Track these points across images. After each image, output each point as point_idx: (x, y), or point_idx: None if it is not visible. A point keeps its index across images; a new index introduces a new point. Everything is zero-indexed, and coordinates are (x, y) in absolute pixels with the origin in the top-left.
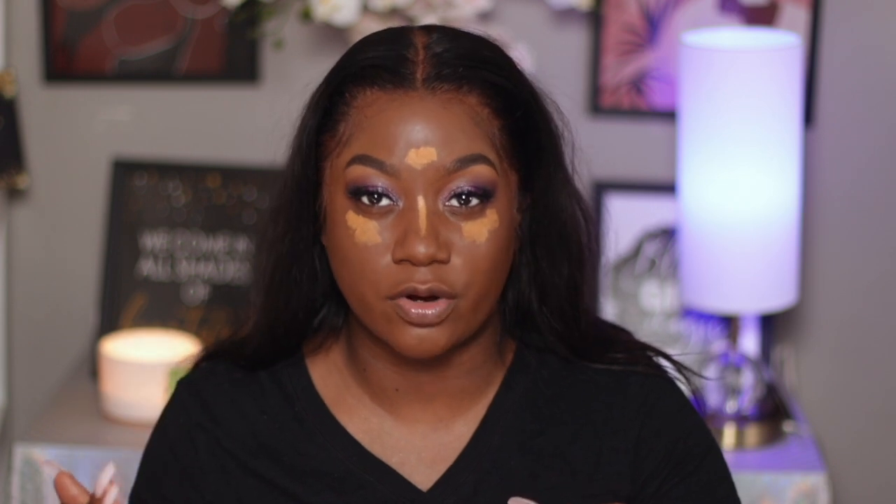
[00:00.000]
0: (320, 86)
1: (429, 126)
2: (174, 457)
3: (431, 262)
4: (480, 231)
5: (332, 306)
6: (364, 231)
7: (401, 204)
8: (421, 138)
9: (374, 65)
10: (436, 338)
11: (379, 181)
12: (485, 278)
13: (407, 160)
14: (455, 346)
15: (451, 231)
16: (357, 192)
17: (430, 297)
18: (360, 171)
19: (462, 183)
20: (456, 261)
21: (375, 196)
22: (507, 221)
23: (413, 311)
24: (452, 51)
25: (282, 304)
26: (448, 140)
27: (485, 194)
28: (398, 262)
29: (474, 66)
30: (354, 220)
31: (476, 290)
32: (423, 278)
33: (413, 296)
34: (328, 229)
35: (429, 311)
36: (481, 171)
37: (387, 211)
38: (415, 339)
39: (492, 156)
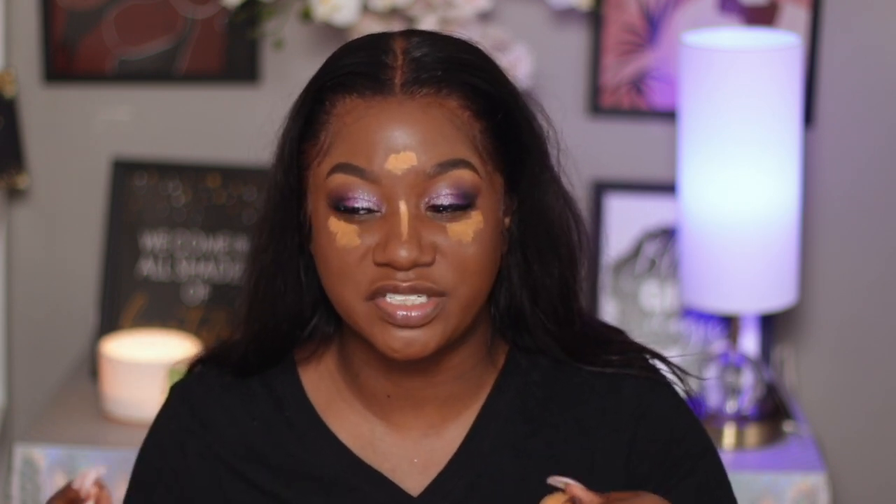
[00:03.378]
0: (301, 94)
1: (408, 131)
2: (164, 462)
3: (413, 266)
4: (465, 231)
5: (323, 314)
6: (345, 234)
7: (383, 210)
8: (400, 143)
9: (352, 72)
10: (423, 340)
11: (360, 190)
12: (474, 278)
13: (387, 166)
14: (443, 347)
15: (435, 232)
16: (338, 204)
17: (413, 293)
18: (340, 180)
19: (443, 190)
20: (442, 261)
21: (357, 210)
22: (492, 223)
23: (398, 313)
24: (431, 55)
25: (267, 314)
26: (428, 144)
27: (467, 200)
28: (379, 265)
29: (453, 69)
30: (336, 224)
31: (465, 291)
32: (404, 277)
33: (394, 292)
34: (314, 236)
35: (413, 313)
36: (462, 176)
37: (368, 217)
38: (401, 341)
39: (474, 159)
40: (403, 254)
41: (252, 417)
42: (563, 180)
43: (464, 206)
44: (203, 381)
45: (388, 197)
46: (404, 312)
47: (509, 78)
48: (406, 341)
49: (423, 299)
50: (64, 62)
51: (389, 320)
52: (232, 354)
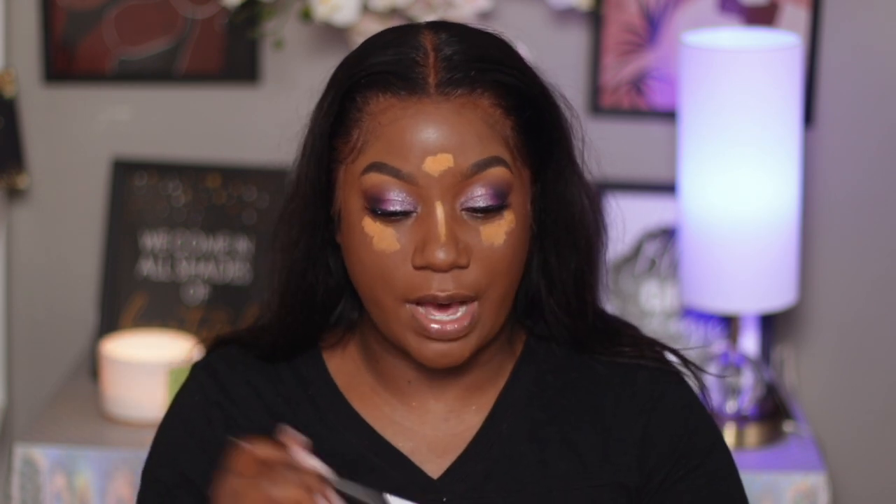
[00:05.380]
0: (328, 89)
1: (444, 132)
2: (190, 433)
3: (452, 268)
4: (497, 233)
5: (349, 301)
6: (382, 238)
7: (419, 209)
8: (437, 145)
9: (384, 70)
10: (458, 351)
11: (395, 191)
12: (504, 279)
13: (424, 168)
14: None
15: (469, 234)
16: (374, 203)
17: (450, 301)
18: (376, 179)
19: (478, 191)
20: (474, 264)
21: (394, 213)
22: (522, 219)
23: (432, 326)
24: (462, 52)
25: (298, 307)
26: (464, 145)
27: (501, 199)
28: (418, 268)
29: (486, 67)
30: (371, 226)
31: (496, 292)
32: (442, 286)
33: (433, 304)
34: (344, 231)
35: (448, 327)
36: (497, 174)
37: (404, 218)
38: (435, 352)
39: (506, 156)
40: (442, 256)
41: (277, 394)
42: (586, 173)
43: (498, 206)
44: (227, 358)
45: (424, 198)
46: (438, 326)
47: (536, 71)
48: (441, 352)
49: (458, 314)
50: (64, 62)
51: (424, 333)
52: (260, 341)
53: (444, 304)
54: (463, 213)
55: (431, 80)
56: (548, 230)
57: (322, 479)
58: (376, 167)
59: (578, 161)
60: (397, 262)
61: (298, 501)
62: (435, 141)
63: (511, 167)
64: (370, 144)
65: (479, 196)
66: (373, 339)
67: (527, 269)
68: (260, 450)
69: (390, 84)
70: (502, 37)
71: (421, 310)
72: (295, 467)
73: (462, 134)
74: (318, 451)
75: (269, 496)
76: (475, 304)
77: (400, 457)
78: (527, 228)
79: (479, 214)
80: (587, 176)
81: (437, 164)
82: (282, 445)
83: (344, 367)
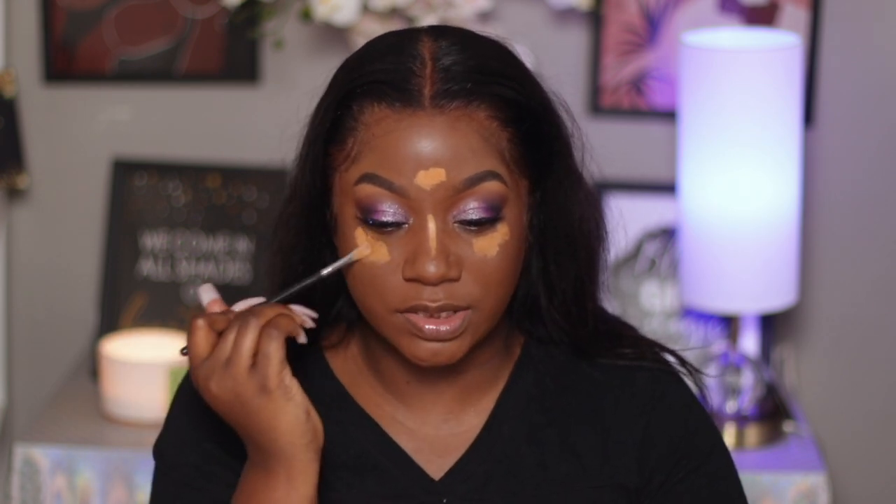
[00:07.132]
0: (325, 95)
1: (437, 146)
2: (205, 412)
3: (442, 281)
4: (491, 245)
5: (347, 299)
6: (373, 249)
7: (410, 221)
8: (430, 159)
9: (380, 80)
10: (451, 351)
11: (387, 202)
12: (497, 290)
13: (416, 181)
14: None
15: (461, 246)
16: (366, 213)
17: (441, 311)
18: (368, 191)
19: (471, 204)
20: (466, 276)
21: (385, 224)
22: (516, 231)
23: (426, 327)
24: (461, 63)
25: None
26: (457, 159)
27: (494, 212)
28: (408, 280)
29: (483, 80)
30: (363, 236)
31: (489, 303)
32: (433, 297)
33: (424, 312)
34: (339, 235)
35: (442, 328)
36: (491, 188)
37: (396, 230)
38: (429, 352)
39: (501, 170)
40: (432, 269)
41: None
42: (587, 178)
43: (491, 219)
44: None
45: (416, 210)
46: (433, 327)
47: (536, 79)
48: (433, 352)
49: (451, 312)
50: (64, 62)
51: (418, 334)
52: None
53: (434, 313)
54: (455, 225)
55: (427, 91)
56: (548, 239)
57: (266, 306)
58: (369, 178)
59: (579, 169)
60: (388, 273)
61: (259, 340)
62: (428, 154)
63: (506, 180)
64: (364, 155)
65: (472, 209)
66: (373, 340)
67: (527, 276)
68: (202, 324)
69: (385, 94)
70: (505, 44)
71: (412, 316)
72: (239, 316)
73: (455, 147)
74: (323, 448)
75: (239, 354)
76: (468, 311)
77: (404, 456)
78: (522, 239)
79: (472, 227)
80: (588, 182)
81: (429, 178)
82: (218, 310)
83: (346, 366)
